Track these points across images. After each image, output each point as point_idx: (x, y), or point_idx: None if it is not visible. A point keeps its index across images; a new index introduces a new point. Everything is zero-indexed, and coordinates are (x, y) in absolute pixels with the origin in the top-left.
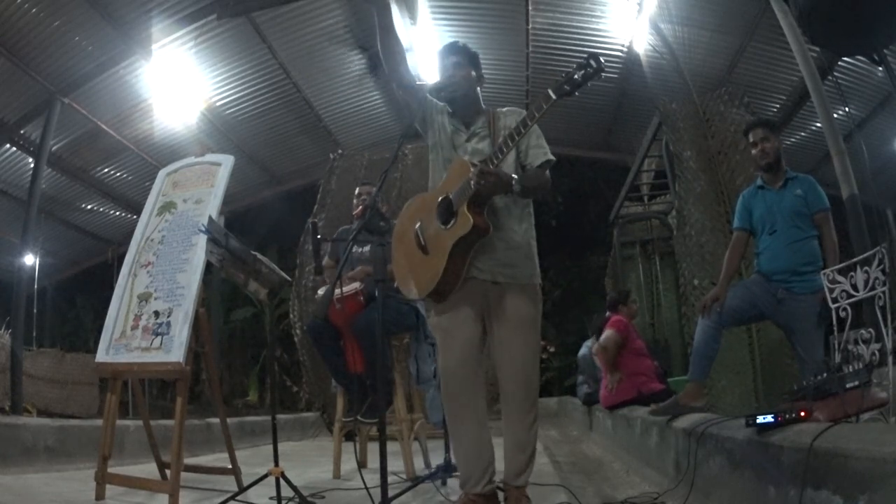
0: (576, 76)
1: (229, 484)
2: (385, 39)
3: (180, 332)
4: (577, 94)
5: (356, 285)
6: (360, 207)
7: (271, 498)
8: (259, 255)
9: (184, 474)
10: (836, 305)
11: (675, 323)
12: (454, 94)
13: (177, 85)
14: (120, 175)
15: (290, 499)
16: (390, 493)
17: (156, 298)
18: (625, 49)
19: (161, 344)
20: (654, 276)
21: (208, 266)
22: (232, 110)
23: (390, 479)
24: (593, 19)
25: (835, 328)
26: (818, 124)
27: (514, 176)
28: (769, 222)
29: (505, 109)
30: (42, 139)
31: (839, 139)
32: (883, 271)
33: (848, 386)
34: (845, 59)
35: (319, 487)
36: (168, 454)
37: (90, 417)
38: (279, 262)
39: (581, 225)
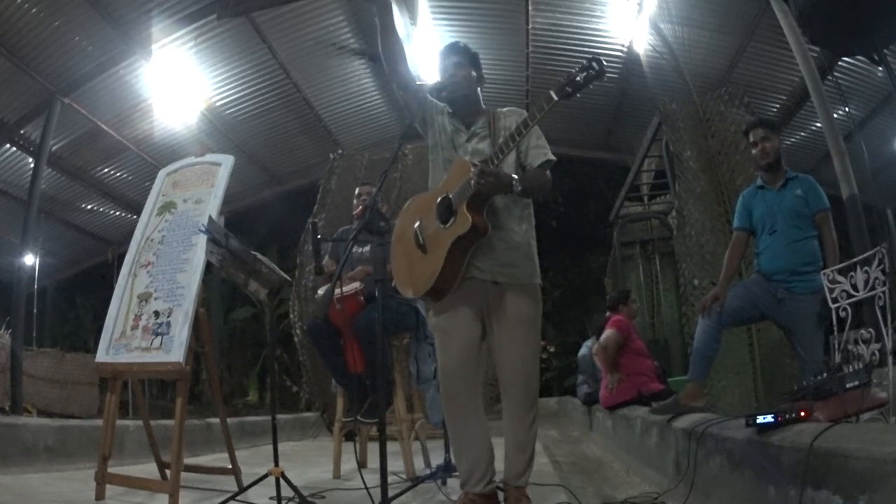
0: (577, 78)
1: (229, 484)
2: (386, 39)
3: (180, 332)
4: (578, 95)
5: (356, 285)
6: (360, 207)
7: (271, 498)
8: (259, 255)
9: (184, 474)
10: (836, 305)
11: (675, 323)
12: (454, 93)
13: (177, 85)
14: (120, 175)
15: (290, 499)
16: (390, 493)
17: (156, 298)
18: (625, 49)
19: (161, 344)
20: (654, 276)
21: (208, 266)
22: (232, 110)
23: (390, 479)
24: (593, 19)
25: (835, 328)
26: (818, 124)
27: (515, 176)
28: (769, 222)
29: (505, 109)
30: (42, 139)
31: (839, 139)
32: (883, 271)
33: (848, 386)
34: (845, 59)
35: (319, 487)
36: (168, 454)
37: (90, 417)
38: (279, 262)
39: (581, 225)
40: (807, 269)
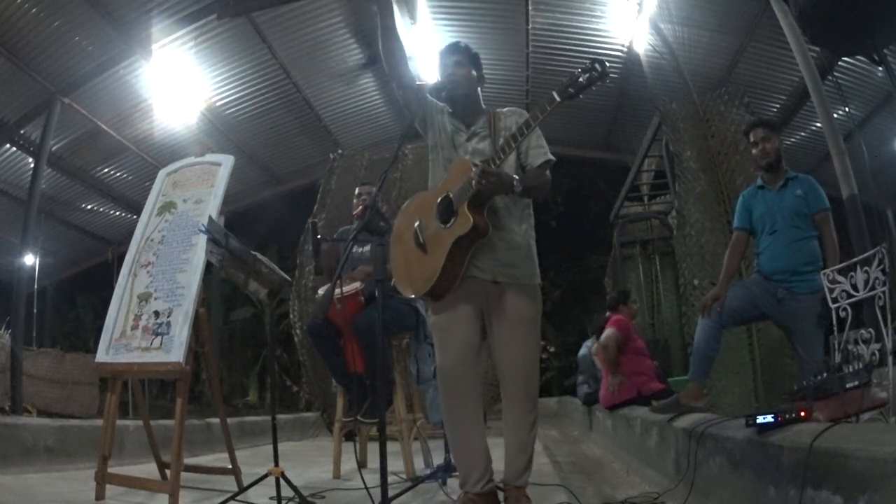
0: (580, 79)
1: (229, 484)
2: (386, 40)
3: (180, 332)
4: (580, 97)
5: (356, 285)
6: (360, 207)
7: (271, 498)
8: (259, 255)
9: (184, 474)
10: (836, 305)
11: (675, 323)
12: (455, 92)
13: (177, 85)
14: (120, 175)
15: (290, 499)
16: (390, 493)
17: (156, 298)
18: (625, 49)
19: (161, 344)
20: (654, 276)
21: (208, 266)
22: (232, 110)
23: (390, 479)
24: (593, 19)
25: (835, 328)
26: (818, 124)
27: (516, 176)
28: (769, 222)
29: (506, 109)
30: (42, 139)
31: (839, 139)
32: (883, 271)
33: (848, 386)
34: (845, 59)
35: (319, 487)
36: (168, 454)
37: (90, 417)
38: (279, 262)
39: (581, 225)
40: (807, 269)
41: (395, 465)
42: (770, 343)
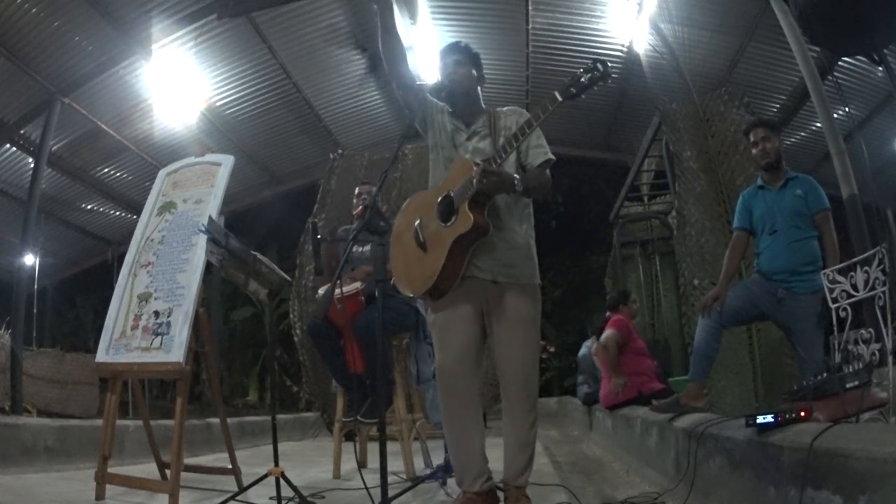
0: (582, 79)
1: (229, 484)
2: (386, 40)
3: (180, 332)
4: (582, 96)
5: (357, 285)
6: (360, 207)
7: (271, 498)
8: (259, 255)
9: (184, 474)
10: (836, 305)
11: (675, 323)
12: (455, 91)
13: (177, 85)
14: (120, 175)
15: (290, 499)
16: (390, 493)
17: (156, 298)
18: (625, 49)
19: (161, 344)
20: (654, 276)
21: (208, 266)
22: (232, 110)
23: (390, 479)
24: (593, 19)
25: (835, 328)
26: (818, 124)
27: (517, 176)
28: (769, 222)
29: (506, 109)
30: (42, 139)
31: (839, 139)
32: (883, 271)
33: (848, 386)
34: (845, 59)
35: (319, 487)
36: (168, 454)
37: (90, 417)
38: (279, 262)
39: (581, 225)
40: (807, 269)
41: (395, 465)
42: (770, 343)
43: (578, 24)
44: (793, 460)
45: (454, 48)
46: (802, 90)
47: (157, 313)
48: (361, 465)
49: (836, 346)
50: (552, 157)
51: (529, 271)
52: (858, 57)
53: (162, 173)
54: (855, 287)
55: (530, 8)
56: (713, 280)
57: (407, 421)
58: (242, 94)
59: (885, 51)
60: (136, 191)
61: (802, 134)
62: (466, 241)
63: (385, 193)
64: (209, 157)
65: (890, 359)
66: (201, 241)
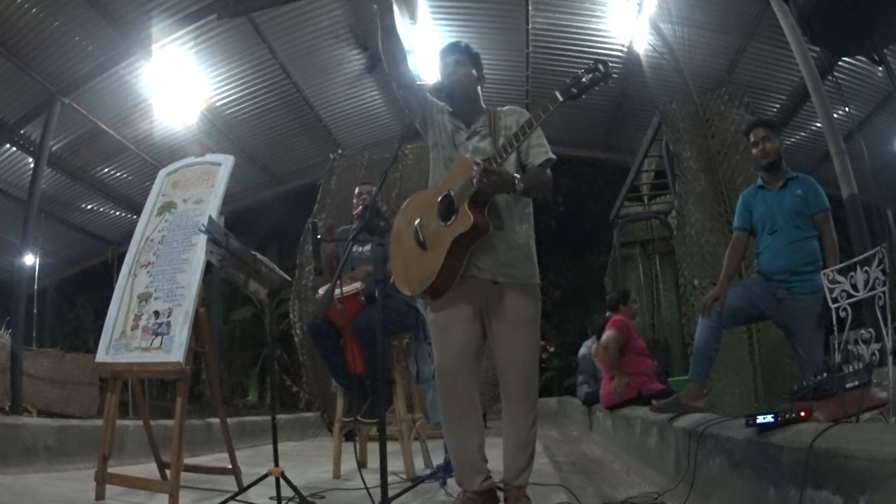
0: (583, 79)
1: (229, 484)
2: (386, 40)
3: (180, 332)
4: (583, 97)
5: (357, 285)
6: (360, 207)
7: (271, 498)
8: (259, 255)
9: (184, 474)
10: (836, 305)
11: (675, 323)
12: (455, 91)
13: (177, 85)
14: (120, 175)
15: (290, 499)
16: (390, 493)
17: (156, 298)
18: (625, 49)
19: (161, 344)
20: (654, 276)
21: (208, 266)
22: (232, 110)
23: (390, 479)
24: (593, 19)
25: (835, 328)
26: (818, 124)
27: (517, 175)
28: (769, 222)
29: (506, 108)
30: (42, 139)
31: (839, 139)
32: (883, 271)
33: (848, 386)
34: (845, 59)
35: (319, 487)
36: (168, 454)
37: (90, 417)
38: (279, 262)
39: (581, 225)
40: (807, 269)
41: (395, 465)
42: (770, 343)
43: (578, 24)
44: (793, 460)
45: (454, 48)
46: (802, 90)
47: (157, 313)
48: (361, 465)
49: (836, 346)
50: (553, 156)
51: (529, 271)
52: (858, 57)
53: (162, 173)
54: (855, 287)
55: (530, 8)
56: (713, 280)
57: (407, 421)
58: (242, 94)
59: (885, 51)
60: (136, 191)
61: (802, 134)
62: (466, 240)
63: (385, 193)
64: (209, 157)
65: (890, 359)
66: (201, 241)
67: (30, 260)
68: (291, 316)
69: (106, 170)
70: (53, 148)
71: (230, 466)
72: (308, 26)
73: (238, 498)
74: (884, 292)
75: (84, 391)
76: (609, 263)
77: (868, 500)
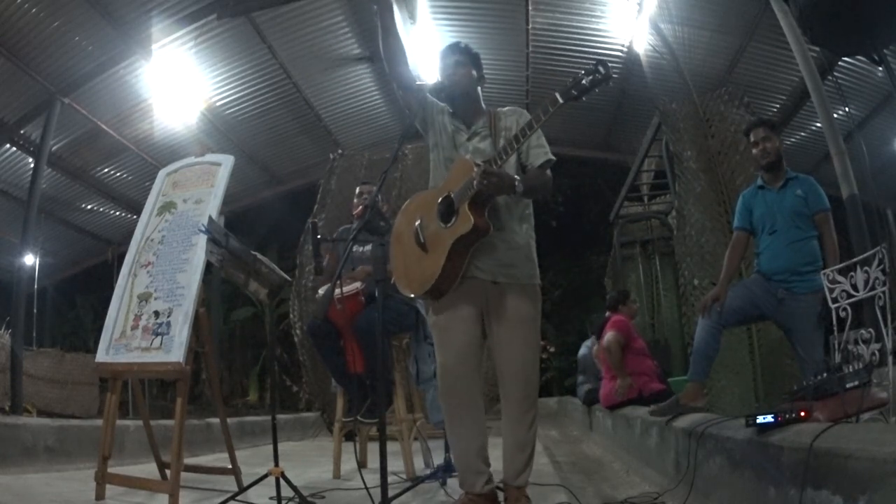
0: (583, 81)
1: (229, 484)
2: (387, 40)
3: (180, 332)
4: (583, 98)
5: (357, 285)
6: (361, 207)
7: (271, 498)
8: (259, 255)
9: (184, 474)
10: (836, 305)
11: (675, 323)
12: (455, 92)
13: (177, 85)
14: (120, 175)
15: (290, 499)
16: (390, 493)
17: (156, 298)
18: (625, 49)
19: (161, 344)
20: (654, 276)
21: (208, 266)
22: (232, 110)
23: (390, 479)
24: (593, 19)
25: (835, 328)
26: (818, 124)
27: (517, 177)
28: (769, 222)
29: (506, 109)
30: (42, 139)
31: (839, 139)
32: (883, 271)
33: (848, 386)
34: (845, 59)
35: (319, 487)
36: (168, 454)
37: (90, 417)
38: (279, 262)
39: (581, 225)
40: (807, 269)
41: (395, 465)
42: (770, 343)
43: (578, 24)
44: (793, 460)
45: (454, 49)
46: (802, 90)
47: (157, 313)
48: (361, 465)
49: (836, 346)
50: (552, 157)
51: (529, 271)
52: (858, 57)
53: (162, 173)
54: (855, 287)
55: (530, 8)
56: (713, 280)
57: (407, 421)
58: (242, 94)
59: (885, 51)
60: (136, 191)
61: (802, 134)
62: (467, 242)
63: (385, 193)
64: (209, 157)
65: (890, 359)
66: (201, 241)
67: (30, 260)
68: (291, 316)
69: (106, 170)
70: (53, 148)
71: (230, 466)
72: (308, 26)
73: (238, 498)
74: (884, 292)
75: (84, 391)
76: (609, 263)
77: (868, 500)
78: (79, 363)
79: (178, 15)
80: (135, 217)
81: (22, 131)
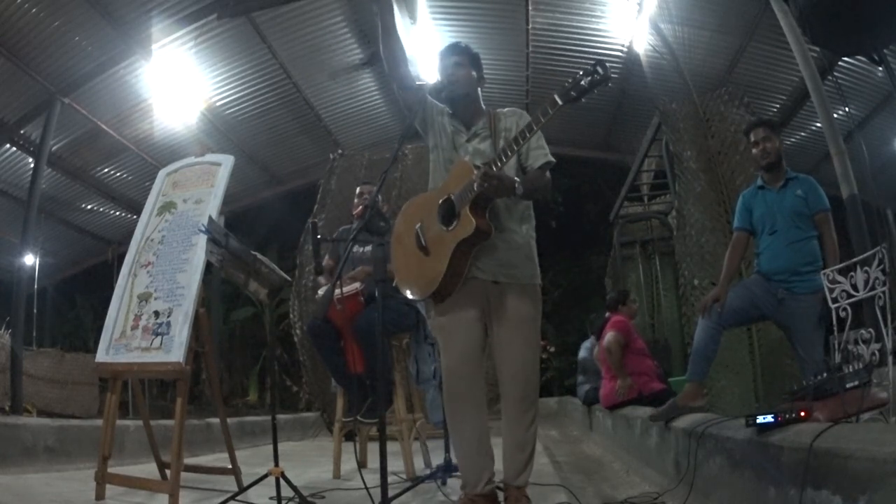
0: (582, 82)
1: (229, 484)
2: (387, 41)
3: (180, 332)
4: (583, 100)
5: (356, 285)
6: (361, 207)
7: (271, 498)
8: (259, 255)
9: (184, 474)
10: (836, 305)
11: (675, 323)
12: (455, 93)
13: (177, 85)
14: (120, 175)
15: (290, 499)
16: (390, 493)
17: (156, 298)
18: (625, 49)
19: (161, 344)
20: (654, 276)
21: (208, 266)
22: (232, 110)
23: (390, 479)
24: (593, 19)
25: (835, 328)
26: (818, 124)
27: (517, 179)
28: (769, 222)
29: (506, 110)
30: (42, 139)
31: (839, 139)
32: (883, 271)
33: (848, 386)
34: (845, 59)
35: (319, 487)
36: (168, 454)
37: (90, 417)
38: (279, 262)
39: (581, 225)
40: (807, 270)
41: (395, 465)
42: (770, 343)
43: (578, 24)
44: (793, 460)
45: (454, 49)
46: (802, 90)
47: (157, 313)
48: (361, 465)
49: (836, 346)
50: (552, 159)
51: (530, 271)
52: (858, 57)
53: (162, 173)
54: (855, 287)
55: (530, 8)
56: (713, 280)
57: (407, 421)
58: (242, 94)
59: (885, 51)
60: (136, 191)
61: (802, 134)
62: (469, 244)
63: (385, 193)
64: (209, 157)
65: (890, 359)
66: (201, 241)
67: (30, 260)
68: (291, 316)
69: (106, 170)
70: (53, 148)
71: (230, 466)
72: (308, 26)
73: (238, 498)
74: (884, 292)
75: (84, 391)
76: (609, 263)
77: (868, 500)
78: (79, 363)
79: (178, 15)
80: (135, 217)
81: (22, 131)
